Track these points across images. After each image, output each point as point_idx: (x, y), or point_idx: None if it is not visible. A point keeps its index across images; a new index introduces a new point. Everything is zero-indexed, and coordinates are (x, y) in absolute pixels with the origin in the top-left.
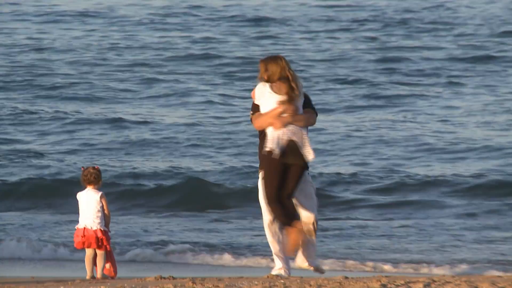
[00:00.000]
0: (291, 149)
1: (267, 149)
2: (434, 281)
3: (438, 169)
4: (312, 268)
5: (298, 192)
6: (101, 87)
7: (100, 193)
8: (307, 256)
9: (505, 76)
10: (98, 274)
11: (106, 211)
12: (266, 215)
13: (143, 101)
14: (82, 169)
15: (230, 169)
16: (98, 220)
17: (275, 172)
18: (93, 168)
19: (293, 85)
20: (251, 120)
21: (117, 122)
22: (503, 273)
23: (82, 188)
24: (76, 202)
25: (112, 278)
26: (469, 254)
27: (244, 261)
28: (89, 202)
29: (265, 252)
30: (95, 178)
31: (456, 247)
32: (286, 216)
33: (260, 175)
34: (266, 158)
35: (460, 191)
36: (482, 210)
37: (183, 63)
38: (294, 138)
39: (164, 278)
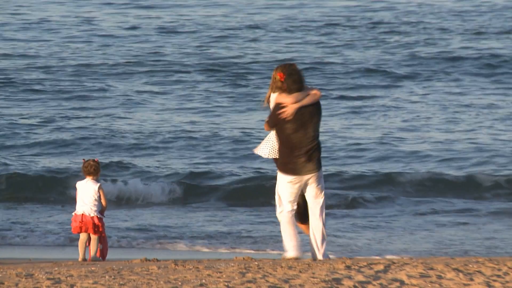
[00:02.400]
0: None
1: None
2: (394, 263)
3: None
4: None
5: None
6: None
7: (98, 184)
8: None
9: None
10: (91, 257)
11: (103, 201)
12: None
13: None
14: (83, 161)
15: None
16: (95, 208)
17: None
18: (93, 160)
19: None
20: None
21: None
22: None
23: (82, 178)
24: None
25: (102, 260)
26: (415, 243)
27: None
28: (88, 191)
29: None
30: (95, 170)
31: (403, 236)
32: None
33: None
34: None
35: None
36: (423, 203)
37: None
38: None
39: (149, 260)
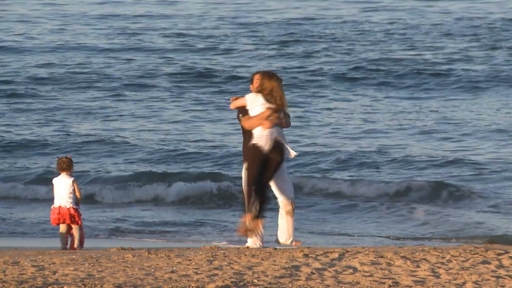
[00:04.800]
0: (277, 146)
1: (257, 143)
2: (348, 251)
3: None
4: (293, 243)
5: (278, 180)
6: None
7: (72, 178)
8: (289, 234)
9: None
10: (75, 244)
11: (77, 193)
12: (246, 199)
13: None
14: (57, 158)
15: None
16: (71, 200)
17: (259, 163)
18: (66, 157)
19: (282, 100)
20: (239, 120)
21: None
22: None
23: (57, 174)
24: None
25: (80, 247)
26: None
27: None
28: (63, 185)
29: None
30: (67, 166)
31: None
32: (252, 203)
33: (244, 166)
34: (252, 151)
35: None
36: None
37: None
38: (279, 138)
39: (125, 249)
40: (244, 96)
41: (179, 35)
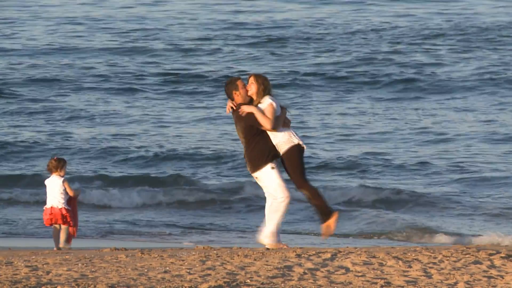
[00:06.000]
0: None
1: (299, 142)
2: (340, 251)
3: None
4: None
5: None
6: None
7: (62, 178)
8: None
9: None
10: (61, 244)
11: (69, 192)
12: (286, 193)
13: None
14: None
15: None
16: (62, 200)
17: (303, 159)
18: (54, 159)
19: None
20: (240, 125)
21: None
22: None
23: (50, 175)
24: None
25: (73, 236)
26: None
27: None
28: (54, 186)
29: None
30: (54, 167)
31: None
32: (325, 200)
33: (270, 165)
34: (297, 150)
35: None
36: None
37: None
38: None
39: (118, 249)
40: (245, 104)
41: (165, 36)
